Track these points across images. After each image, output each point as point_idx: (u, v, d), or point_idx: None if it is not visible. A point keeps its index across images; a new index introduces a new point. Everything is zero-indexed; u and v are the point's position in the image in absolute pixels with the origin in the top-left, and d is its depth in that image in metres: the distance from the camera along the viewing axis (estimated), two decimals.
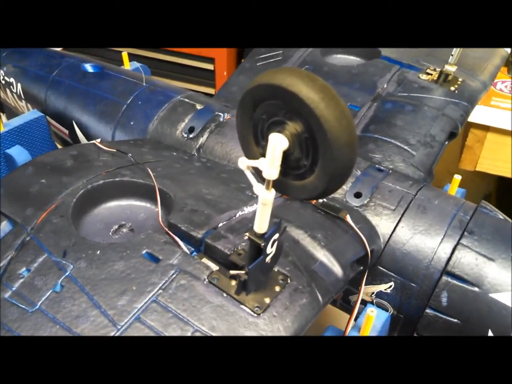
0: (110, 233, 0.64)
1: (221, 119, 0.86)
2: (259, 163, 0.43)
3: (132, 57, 1.17)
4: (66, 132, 1.05)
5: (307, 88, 0.40)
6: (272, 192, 0.45)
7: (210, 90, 1.72)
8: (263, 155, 0.43)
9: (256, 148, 0.48)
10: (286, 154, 0.43)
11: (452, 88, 0.89)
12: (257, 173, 0.45)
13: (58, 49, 1.22)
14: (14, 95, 1.16)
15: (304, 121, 0.41)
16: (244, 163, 0.45)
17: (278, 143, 0.41)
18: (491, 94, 1.38)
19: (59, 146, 1.16)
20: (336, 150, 0.41)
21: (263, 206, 0.46)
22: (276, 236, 0.49)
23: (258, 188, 0.45)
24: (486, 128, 1.36)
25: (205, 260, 0.56)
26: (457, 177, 0.82)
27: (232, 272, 0.53)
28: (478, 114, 1.30)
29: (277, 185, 0.45)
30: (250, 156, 0.48)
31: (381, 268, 0.67)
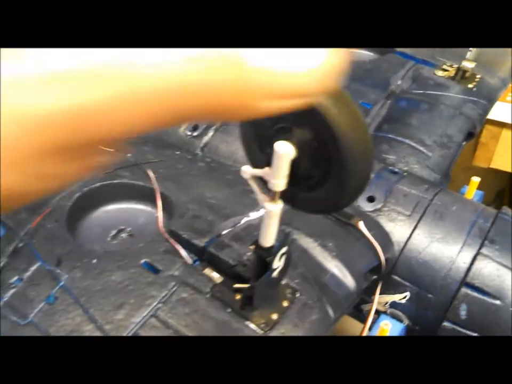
0: (109, 239, 0.60)
1: None
2: (264, 173, 0.39)
3: None
4: None
5: None
6: (279, 204, 0.41)
7: None
8: (269, 163, 0.39)
9: (261, 155, 0.44)
10: (294, 163, 0.39)
11: (470, 86, 0.85)
12: (263, 181, 0.41)
13: None
14: None
15: (313, 128, 0.37)
16: (247, 173, 0.41)
17: (284, 153, 0.37)
18: (507, 89, 1.33)
19: None
20: (349, 162, 0.36)
21: (269, 219, 0.42)
22: (285, 249, 0.46)
23: (264, 199, 0.41)
24: (502, 125, 1.31)
25: (207, 271, 0.52)
26: (475, 180, 0.78)
27: (236, 286, 0.50)
28: (494, 110, 1.25)
29: (285, 196, 0.41)
30: (254, 164, 0.44)
31: (396, 277, 0.63)
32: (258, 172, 0.40)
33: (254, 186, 0.42)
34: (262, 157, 0.43)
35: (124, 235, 0.61)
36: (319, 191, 0.40)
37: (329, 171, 0.38)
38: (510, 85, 1.23)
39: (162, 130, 0.84)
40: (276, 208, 0.41)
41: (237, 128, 0.79)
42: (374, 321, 0.61)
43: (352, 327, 0.71)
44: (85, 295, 0.50)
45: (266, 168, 0.39)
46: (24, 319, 0.48)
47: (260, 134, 0.42)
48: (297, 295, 0.50)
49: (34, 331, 0.46)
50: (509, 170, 1.36)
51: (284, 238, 0.44)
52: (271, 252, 0.44)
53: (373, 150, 0.37)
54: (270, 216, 0.42)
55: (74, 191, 0.62)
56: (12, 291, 0.51)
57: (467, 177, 0.81)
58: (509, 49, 0.95)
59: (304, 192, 0.41)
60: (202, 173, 0.73)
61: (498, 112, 1.28)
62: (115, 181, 0.65)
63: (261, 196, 0.41)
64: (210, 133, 0.80)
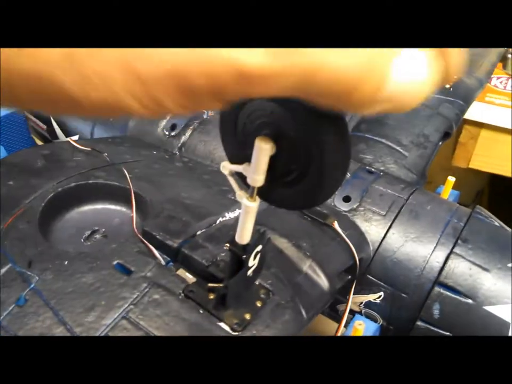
0: (82, 240, 0.60)
1: (205, 116, 0.82)
2: (243, 169, 0.39)
3: None
4: (44, 127, 1.00)
5: None
6: (257, 200, 0.41)
7: None
8: (248, 159, 0.39)
9: (240, 151, 0.43)
10: (273, 159, 0.38)
11: (447, 86, 0.86)
12: (241, 178, 0.41)
13: None
14: None
15: (293, 123, 0.37)
16: (226, 168, 0.41)
17: (264, 148, 0.37)
18: (486, 90, 1.34)
19: (39, 142, 1.11)
20: (329, 158, 0.36)
21: (246, 215, 0.42)
22: (259, 247, 0.45)
23: (241, 195, 0.41)
24: (480, 125, 1.32)
25: (181, 272, 0.52)
26: (451, 179, 0.78)
27: (210, 285, 0.49)
28: (472, 111, 1.27)
29: (263, 192, 0.41)
30: (234, 160, 0.43)
31: (370, 277, 0.63)
32: (237, 167, 0.39)
33: (233, 182, 0.41)
34: (241, 153, 0.42)
35: (97, 236, 0.60)
36: (296, 187, 0.39)
37: (308, 167, 0.37)
38: (510, 91, 1.25)
39: (141, 130, 0.83)
40: (254, 204, 0.41)
41: (215, 128, 0.80)
42: (349, 321, 0.61)
43: (328, 327, 0.71)
44: (56, 297, 0.49)
45: (246, 164, 0.39)
46: None
47: (239, 130, 0.41)
48: (271, 295, 0.50)
49: (3, 334, 0.46)
50: (487, 170, 1.38)
51: (259, 237, 0.44)
52: (247, 249, 0.43)
53: (350, 146, 0.37)
54: (247, 212, 0.41)
55: (48, 191, 0.61)
56: None
57: (446, 177, 0.82)
58: (485, 50, 0.96)
59: (281, 188, 0.41)
60: (179, 172, 0.73)
61: (477, 112, 1.30)
62: (90, 181, 0.64)
63: (239, 192, 0.41)
64: (188, 133, 0.80)
